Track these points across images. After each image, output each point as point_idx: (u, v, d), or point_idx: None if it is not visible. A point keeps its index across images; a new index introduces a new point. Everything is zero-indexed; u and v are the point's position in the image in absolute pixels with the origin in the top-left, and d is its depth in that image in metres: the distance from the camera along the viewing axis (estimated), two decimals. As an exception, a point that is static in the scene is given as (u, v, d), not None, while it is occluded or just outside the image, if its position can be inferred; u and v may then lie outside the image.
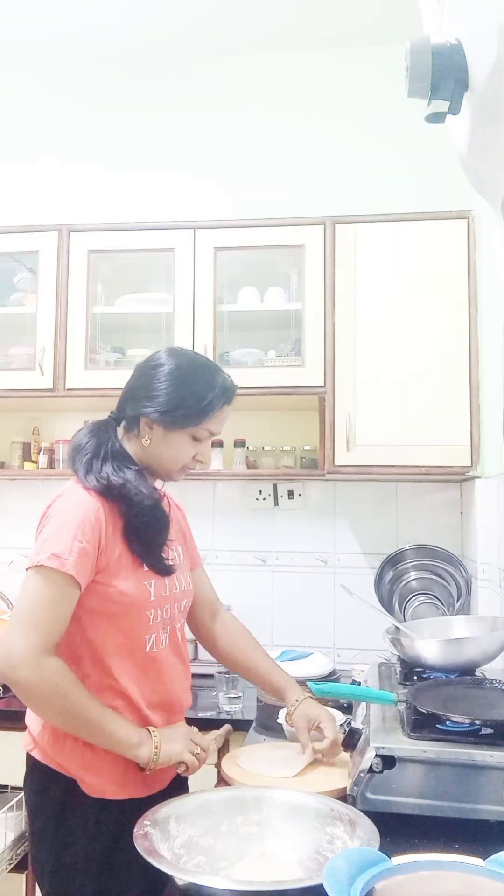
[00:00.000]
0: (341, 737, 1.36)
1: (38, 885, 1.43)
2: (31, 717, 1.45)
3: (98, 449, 1.42)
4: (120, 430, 1.48)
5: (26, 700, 1.28)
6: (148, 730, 1.33)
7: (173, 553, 1.49)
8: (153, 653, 1.40)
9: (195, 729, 1.40)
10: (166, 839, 1.02)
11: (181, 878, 0.90)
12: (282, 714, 1.68)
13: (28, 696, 1.26)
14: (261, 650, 1.66)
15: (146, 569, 1.39)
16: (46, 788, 1.38)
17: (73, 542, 1.28)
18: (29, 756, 1.43)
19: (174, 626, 1.46)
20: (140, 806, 1.18)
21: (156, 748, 1.30)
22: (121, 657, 1.36)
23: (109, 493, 1.36)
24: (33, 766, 1.42)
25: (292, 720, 1.51)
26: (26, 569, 1.31)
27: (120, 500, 1.36)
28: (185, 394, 1.42)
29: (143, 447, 1.45)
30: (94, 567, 1.32)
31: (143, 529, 1.38)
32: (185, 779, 1.52)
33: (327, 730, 1.43)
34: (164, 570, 1.41)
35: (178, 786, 1.47)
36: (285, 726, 1.65)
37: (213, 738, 1.48)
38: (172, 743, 1.33)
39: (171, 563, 1.44)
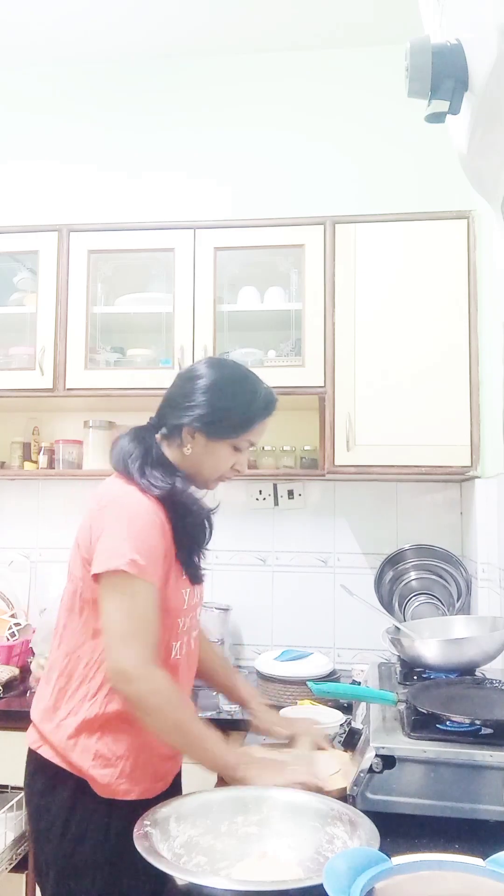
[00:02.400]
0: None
1: (40, 885, 1.42)
2: (39, 714, 1.44)
3: (146, 455, 1.42)
4: (158, 437, 1.49)
5: (141, 712, 1.29)
6: (240, 751, 1.37)
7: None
8: (176, 660, 1.41)
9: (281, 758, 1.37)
10: (166, 839, 1.02)
11: (181, 877, 0.90)
12: (282, 714, 1.68)
13: (145, 708, 1.27)
14: (228, 668, 1.74)
15: (184, 577, 1.40)
16: (53, 788, 1.38)
17: (149, 549, 1.30)
18: (34, 754, 1.42)
19: (191, 635, 1.48)
20: (147, 806, 1.18)
21: (243, 776, 1.27)
22: None
23: (170, 499, 1.37)
24: (39, 764, 1.41)
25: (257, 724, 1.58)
26: (99, 572, 1.30)
27: (177, 507, 1.38)
28: (229, 405, 1.44)
29: (183, 455, 1.45)
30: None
31: (194, 538, 1.41)
32: (180, 771, 1.55)
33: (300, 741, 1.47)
34: (198, 578, 1.44)
35: (178, 777, 1.50)
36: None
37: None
38: (263, 776, 1.27)
39: (202, 572, 1.46)
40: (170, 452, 1.47)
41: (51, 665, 1.45)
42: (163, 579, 1.34)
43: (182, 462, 1.46)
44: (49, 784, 1.38)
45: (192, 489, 1.45)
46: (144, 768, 1.36)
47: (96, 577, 1.31)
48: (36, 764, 1.42)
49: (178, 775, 1.54)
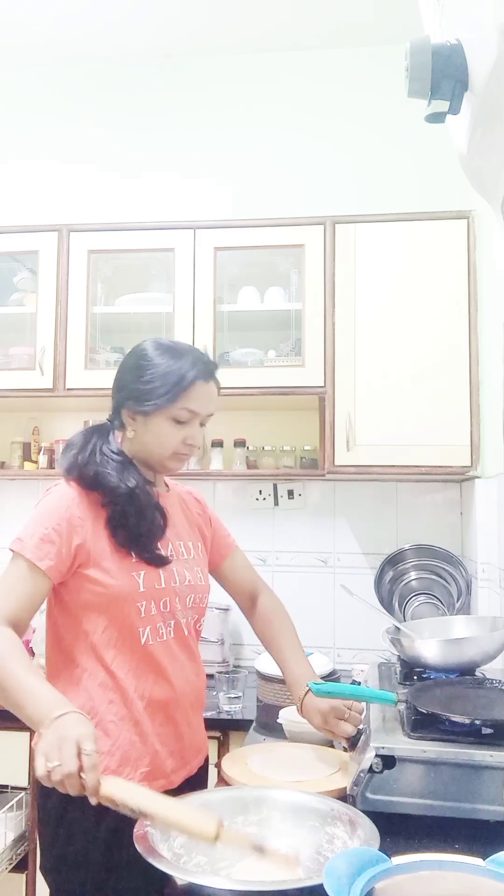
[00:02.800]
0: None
1: (47, 883, 1.40)
2: None
3: (85, 446, 1.43)
4: (119, 434, 1.49)
5: None
6: (57, 715, 1.12)
7: (178, 547, 1.49)
8: (149, 645, 1.38)
9: (90, 736, 1.09)
10: (166, 839, 1.02)
11: (181, 877, 0.90)
12: (282, 714, 1.69)
13: None
14: (289, 639, 1.67)
15: (135, 559, 1.38)
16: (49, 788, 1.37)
17: (36, 528, 1.34)
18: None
19: (178, 621, 1.44)
20: None
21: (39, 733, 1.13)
22: (116, 649, 1.36)
23: (85, 483, 1.39)
24: None
25: (302, 709, 1.50)
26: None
27: (96, 489, 1.38)
28: (154, 375, 1.41)
29: (130, 440, 1.46)
30: (68, 555, 1.34)
31: (123, 518, 1.38)
32: (204, 774, 1.52)
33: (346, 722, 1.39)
34: (155, 560, 1.40)
35: (198, 781, 1.47)
36: (285, 726, 1.65)
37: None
38: (48, 736, 1.09)
39: (163, 553, 1.42)
40: (124, 442, 1.47)
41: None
42: (95, 564, 1.35)
43: (132, 447, 1.46)
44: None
45: (133, 473, 1.42)
46: (135, 765, 1.34)
47: None
48: None
49: (202, 774, 1.51)
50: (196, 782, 1.46)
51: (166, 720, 1.40)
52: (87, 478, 1.39)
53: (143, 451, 1.45)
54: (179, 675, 1.43)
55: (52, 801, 1.33)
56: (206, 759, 1.55)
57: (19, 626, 1.31)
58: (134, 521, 1.39)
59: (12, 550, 1.34)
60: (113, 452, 1.43)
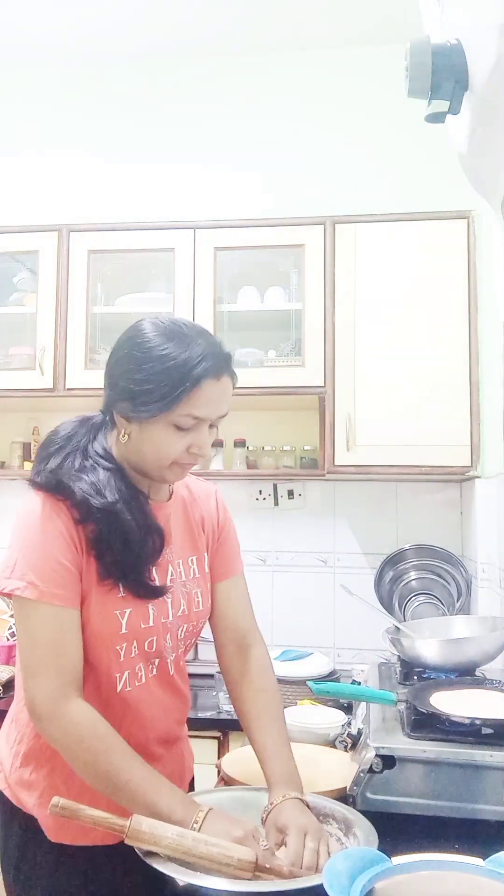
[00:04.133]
0: (308, 860, 1.00)
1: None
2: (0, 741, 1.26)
3: (66, 442, 1.18)
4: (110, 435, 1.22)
5: (62, 754, 1.08)
6: (197, 808, 1.02)
7: (177, 567, 1.23)
8: (125, 692, 1.15)
9: (252, 830, 1.02)
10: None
11: (181, 878, 0.90)
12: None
13: (62, 751, 1.07)
14: (279, 725, 1.26)
15: (122, 593, 1.13)
16: (10, 824, 1.19)
17: (52, 568, 1.08)
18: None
19: (164, 660, 1.21)
20: (110, 854, 1.08)
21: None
22: (86, 692, 1.11)
23: (59, 494, 1.11)
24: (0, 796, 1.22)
25: (265, 822, 1.10)
26: (1, 591, 1.10)
27: (91, 512, 1.11)
28: (152, 371, 1.10)
29: (123, 445, 1.17)
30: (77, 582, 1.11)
31: (106, 543, 1.11)
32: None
33: (290, 843, 1.01)
34: (147, 593, 1.15)
35: None
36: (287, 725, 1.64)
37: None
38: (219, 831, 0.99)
39: (156, 583, 1.17)
40: (113, 446, 1.19)
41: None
42: (80, 600, 1.11)
43: (123, 454, 1.18)
44: (6, 819, 1.20)
45: (122, 482, 1.16)
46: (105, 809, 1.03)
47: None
48: None
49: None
50: None
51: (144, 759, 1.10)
52: (51, 485, 1.12)
53: (136, 458, 1.17)
54: (157, 717, 1.20)
55: (11, 846, 1.19)
56: (192, 780, 1.39)
57: (80, 685, 1.10)
58: (119, 548, 1.12)
59: (20, 597, 1.08)
60: (99, 456, 1.16)
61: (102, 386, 1.21)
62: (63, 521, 1.11)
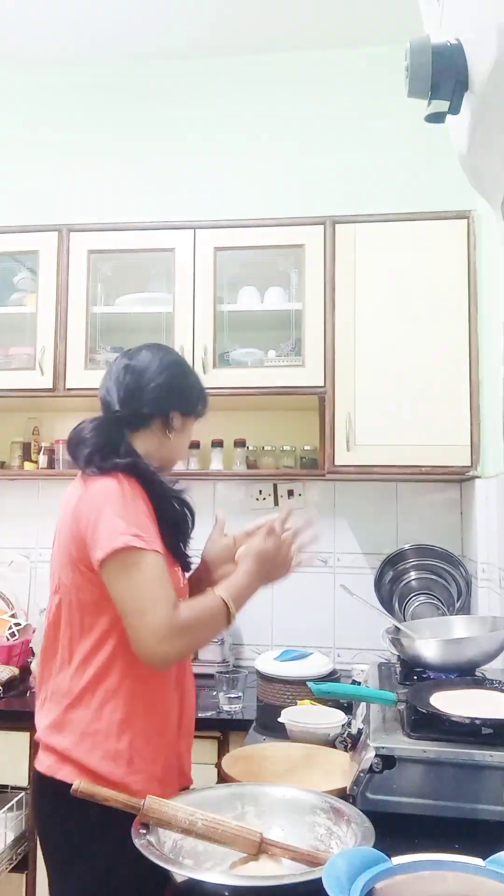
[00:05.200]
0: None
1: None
2: (55, 730, 1.35)
3: (108, 444, 1.39)
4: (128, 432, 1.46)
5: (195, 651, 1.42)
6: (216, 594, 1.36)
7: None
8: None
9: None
10: (167, 837, 1.02)
11: (180, 873, 0.90)
12: (283, 714, 1.69)
13: (198, 648, 1.43)
14: None
15: (173, 559, 1.40)
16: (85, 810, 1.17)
17: (145, 523, 1.31)
18: (52, 780, 1.32)
19: None
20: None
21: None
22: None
23: (147, 481, 1.36)
24: (57, 790, 1.28)
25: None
26: (105, 555, 1.26)
27: (155, 489, 1.37)
28: (194, 381, 1.53)
29: (162, 442, 1.47)
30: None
31: (176, 521, 1.41)
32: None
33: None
34: (186, 565, 1.46)
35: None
36: (288, 726, 1.65)
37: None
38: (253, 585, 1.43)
39: (190, 559, 1.48)
40: (143, 444, 1.44)
41: (56, 689, 1.37)
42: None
43: (160, 449, 1.47)
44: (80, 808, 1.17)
45: (160, 475, 1.43)
46: (164, 771, 1.36)
47: (102, 563, 1.27)
48: (54, 790, 1.31)
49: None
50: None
51: (158, 729, 1.38)
52: (152, 477, 1.37)
53: (172, 452, 1.50)
54: (188, 670, 1.47)
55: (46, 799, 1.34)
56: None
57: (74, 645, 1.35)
58: (185, 526, 1.45)
59: (134, 547, 1.26)
60: (129, 454, 1.39)
61: (129, 394, 1.46)
62: (140, 495, 1.34)
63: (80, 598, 1.34)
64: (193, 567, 1.52)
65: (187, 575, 1.51)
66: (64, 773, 1.30)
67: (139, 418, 1.45)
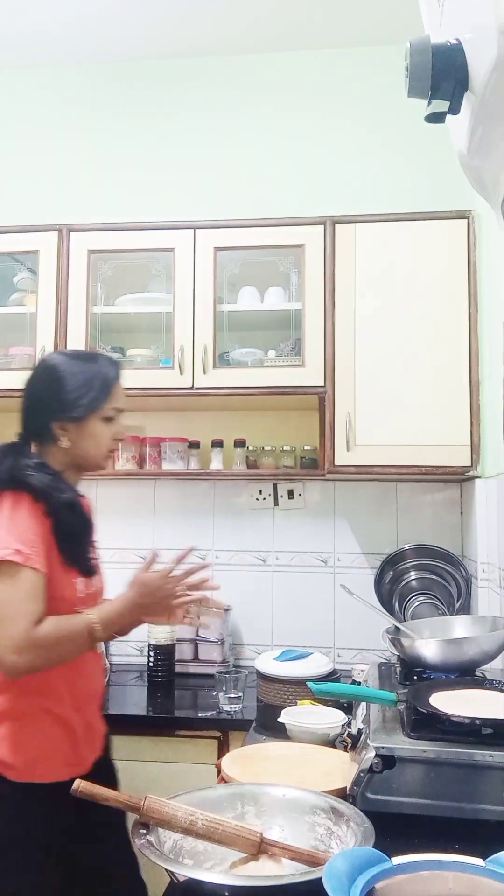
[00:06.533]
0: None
1: None
2: None
3: (15, 460, 1.48)
4: (34, 448, 1.55)
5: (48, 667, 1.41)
6: (84, 616, 1.42)
7: (96, 554, 1.57)
8: None
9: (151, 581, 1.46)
10: (166, 837, 1.02)
11: (180, 873, 0.90)
12: (283, 714, 1.69)
13: (43, 663, 1.39)
14: None
15: (74, 570, 1.47)
16: None
17: (32, 539, 1.39)
18: None
19: None
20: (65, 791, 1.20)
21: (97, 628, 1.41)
22: None
23: (43, 493, 1.43)
24: None
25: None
26: None
27: (51, 501, 1.43)
28: (77, 383, 1.53)
29: (64, 451, 1.53)
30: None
31: (73, 529, 1.47)
32: (108, 760, 1.60)
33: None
34: (88, 570, 1.51)
35: (102, 767, 1.54)
36: (288, 726, 1.65)
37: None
38: (124, 619, 1.45)
39: (94, 563, 1.54)
40: (49, 456, 1.54)
41: None
42: (49, 568, 1.42)
43: (64, 457, 1.54)
44: None
45: (66, 483, 1.51)
46: (62, 750, 1.45)
47: None
48: None
49: (106, 762, 1.60)
50: (102, 761, 1.57)
51: (85, 718, 1.51)
52: (50, 490, 1.44)
53: (81, 456, 1.55)
54: (94, 673, 1.56)
55: None
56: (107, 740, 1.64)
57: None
58: (83, 532, 1.51)
59: (11, 561, 1.36)
60: (33, 465, 1.47)
61: (21, 415, 1.57)
62: (31, 511, 1.41)
63: None
64: (100, 569, 1.59)
65: (96, 578, 1.57)
66: None
67: (32, 435, 1.56)
